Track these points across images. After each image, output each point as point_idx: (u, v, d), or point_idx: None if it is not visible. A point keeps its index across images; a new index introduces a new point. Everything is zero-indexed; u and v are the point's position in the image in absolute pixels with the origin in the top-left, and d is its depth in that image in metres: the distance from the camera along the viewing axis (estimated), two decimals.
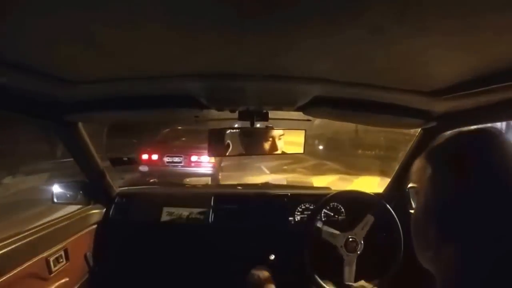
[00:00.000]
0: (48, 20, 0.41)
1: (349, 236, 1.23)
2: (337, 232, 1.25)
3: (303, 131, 1.20)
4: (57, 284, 1.06)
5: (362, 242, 1.23)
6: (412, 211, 1.36)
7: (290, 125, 1.20)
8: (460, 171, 0.37)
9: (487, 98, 0.74)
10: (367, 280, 1.26)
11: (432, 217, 0.39)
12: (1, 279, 0.83)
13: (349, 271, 1.21)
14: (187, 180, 4.82)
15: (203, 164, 5.43)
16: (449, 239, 0.37)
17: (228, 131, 1.13)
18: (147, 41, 0.50)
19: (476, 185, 0.36)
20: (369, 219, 1.24)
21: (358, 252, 1.22)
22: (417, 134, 1.26)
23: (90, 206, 1.37)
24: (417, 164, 0.44)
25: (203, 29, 0.45)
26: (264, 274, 1.03)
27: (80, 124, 1.13)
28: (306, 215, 1.43)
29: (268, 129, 1.16)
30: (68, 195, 1.35)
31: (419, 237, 0.43)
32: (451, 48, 0.51)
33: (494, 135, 0.39)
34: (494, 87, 0.64)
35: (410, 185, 1.40)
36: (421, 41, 0.48)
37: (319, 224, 1.27)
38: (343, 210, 1.45)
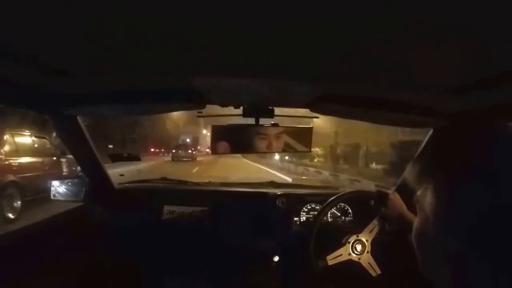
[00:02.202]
0: (46, 10, 0.39)
1: (356, 238, 1.20)
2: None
3: (310, 129, 1.16)
4: (54, 283, 1.03)
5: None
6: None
7: (297, 122, 1.17)
8: (486, 174, 0.33)
9: (503, 96, 0.71)
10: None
11: (454, 226, 0.35)
12: None
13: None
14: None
15: None
16: (476, 252, 0.33)
17: (232, 128, 1.11)
18: (149, 33, 0.48)
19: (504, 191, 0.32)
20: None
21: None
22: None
23: (88, 204, 1.33)
24: (427, 166, 0.41)
25: (207, 23, 0.43)
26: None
27: (79, 118, 1.10)
28: (312, 216, 1.40)
29: (273, 126, 1.13)
30: (66, 192, 1.33)
31: (429, 246, 0.39)
32: (466, 44, 0.48)
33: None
34: (510, 85, 0.60)
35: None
36: (433, 36, 0.45)
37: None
38: (350, 211, 1.42)
